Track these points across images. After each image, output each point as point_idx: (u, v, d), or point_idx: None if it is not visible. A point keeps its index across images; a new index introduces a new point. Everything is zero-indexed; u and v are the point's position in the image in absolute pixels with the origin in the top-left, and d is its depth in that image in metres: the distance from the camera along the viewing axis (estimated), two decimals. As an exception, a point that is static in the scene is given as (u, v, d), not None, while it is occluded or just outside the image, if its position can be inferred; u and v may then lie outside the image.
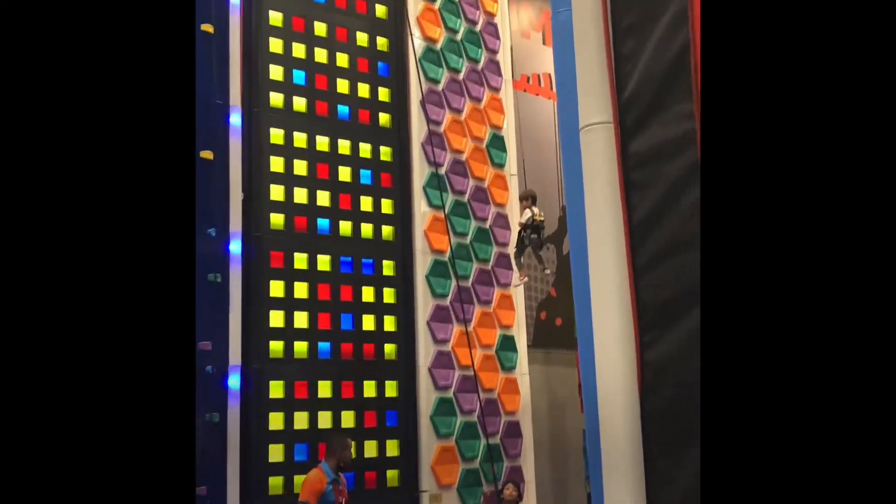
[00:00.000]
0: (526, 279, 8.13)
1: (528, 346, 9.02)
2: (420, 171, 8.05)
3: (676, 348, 4.14)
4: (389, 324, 7.68)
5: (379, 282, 7.70)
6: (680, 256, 4.18)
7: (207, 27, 6.58)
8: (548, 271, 8.54)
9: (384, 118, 8.03)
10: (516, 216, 9.05)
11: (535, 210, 7.76)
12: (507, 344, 8.51)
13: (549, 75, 10.51)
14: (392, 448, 7.42)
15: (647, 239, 4.29)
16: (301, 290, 7.21)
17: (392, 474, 7.37)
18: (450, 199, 8.26)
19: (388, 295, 7.74)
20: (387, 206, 7.89)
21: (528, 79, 10.49)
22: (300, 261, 7.25)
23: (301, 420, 6.96)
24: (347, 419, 7.23)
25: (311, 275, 7.28)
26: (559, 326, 10.35)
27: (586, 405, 5.01)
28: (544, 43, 10.78)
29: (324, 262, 7.40)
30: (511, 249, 8.04)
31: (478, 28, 8.99)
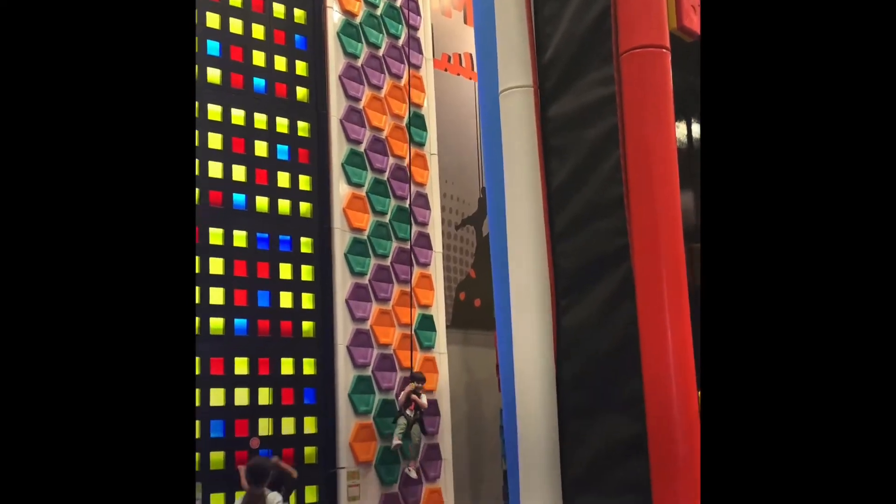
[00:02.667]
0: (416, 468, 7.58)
1: (447, 327, 9.01)
2: (339, 148, 7.93)
3: (591, 314, 4.18)
4: (307, 301, 7.56)
5: (297, 259, 7.57)
6: (597, 222, 4.22)
7: None
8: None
9: (302, 92, 7.89)
10: (436, 196, 9.03)
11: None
12: (426, 323, 8.47)
13: (470, 55, 10.52)
14: (310, 425, 7.32)
15: (565, 205, 4.31)
16: (216, 265, 7.03)
17: (310, 451, 7.27)
18: (369, 176, 8.16)
19: (306, 272, 7.62)
20: (304, 182, 7.76)
21: (449, 58, 10.47)
22: (215, 236, 7.07)
23: (217, 397, 6.80)
24: (264, 396, 7.10)
25: (226, 251, 7.11)
26: (478, 308, 10.38)
27: (503, 375, 5.03)
28: (465, 22, 10.77)
29: (240, 237, 7.24)
30: (397, 431, 7.47)
31: (398, 3, 8.90)
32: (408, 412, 7.51)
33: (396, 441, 7.39)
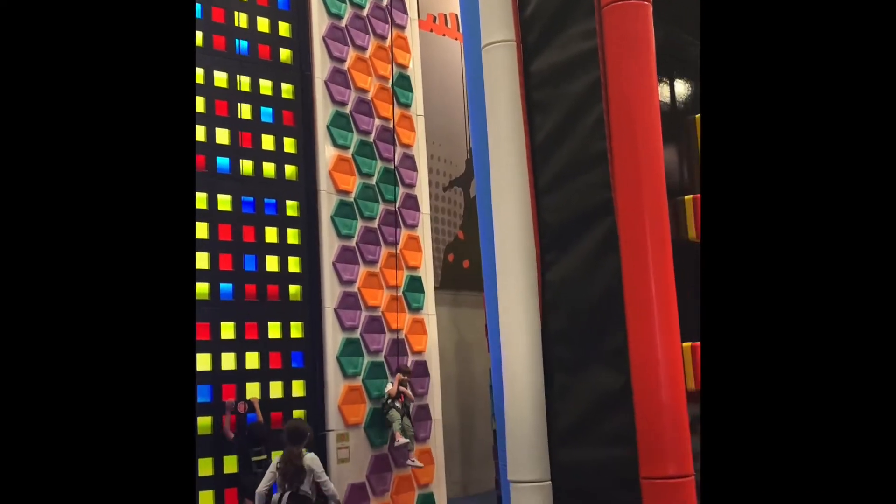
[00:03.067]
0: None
1: (436, 288, 9.02)
2: (323, 110, 7.87)
3: (576, 268, 4.17)
4: (294, 265, 7.54)
5: (283, 222, 7.54)
6: (581, 177, 4.19)
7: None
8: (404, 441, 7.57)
9: (285, 54, 7.81)
10: (423, 157, 8.99)
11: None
12: (414, 285, 8.47)
13: (456, 15, 10.41)
14: (298, 388, 7.34)
15: (549, 160, 4.28)
16: (201, 230, 7.00)
17: (298, 414, 7.28)
18: (354, 138, 8.11)
19: (293, 235, 7.60)
20: (289, 144, 7.71)
21: (435, 18, 10.36)
22: (199, 200, 7.03)
23: (204, 362, 6.80)
24: (252, 360, 7.10)
25: (210, 214, 7.07)
26: (466, 269, 10.38)
27: (491, 334, 5.03)
28: (450, -18, 10.67)
29: (224, 201, 7.20)
30: (396, 426, 7.52)
31: (381, -36, 8.79)
32: (397, 404, 7.55)
33: (403, 439, 7.44)
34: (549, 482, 4.15)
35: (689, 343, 3.99)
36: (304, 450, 6.20)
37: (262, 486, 6.12)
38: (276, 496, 6.07)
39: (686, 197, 4.28)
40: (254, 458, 6.61)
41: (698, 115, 4.47)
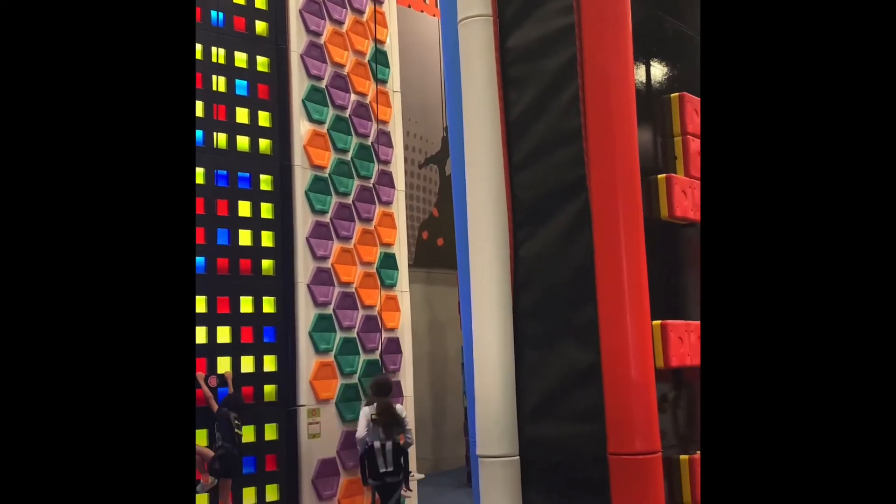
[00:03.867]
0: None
1: (410, 266, 9.01)
2: (299, 84, 7.80)
3: (549, 244, 4.17)
4: (267, 239, 7.50)
5: (256, 196, 7.49)
6: (555, 153, 4.18)
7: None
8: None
9: (261, 26, 7.73)
10: (399, 133, 8.95)
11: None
12: (388, 262, 8.46)
13: (434, -8, 10.35)
14: (270, 363, 7.31)
15: (523, 136, 4.26)
16: (173, 202, 6.93)
17: (269, 389, 7.27)
18: (330, 113, 8.06)
19: (266, 210, 7.55)
20: (264, 118, 7.65)
21: (412, -6, 10.29)
22: (172, 172, 6.95)
23: (174, 335, 6.75)
24: (223, 334, 7.07)
25: (183, 187, 7.00)
26: (441, 247, 10.38)
27: (463, 311, 5.03)
28: (429, -42, 10.58)
29: (198, 174, 7.13)
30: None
31: (360, -63, 8.71)
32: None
33: (418, 474, 7.63)
34: (518, 457, 4.17)
35: (659, 321, 4.01)
36: (392, 400, 6.61)
37: (361, 433, 6.47)
38: (377, 445, 6.40)
39: (659, 176, 4.28)
40: (237, 431, 6.64)
41: (674, 95, 4.48)
